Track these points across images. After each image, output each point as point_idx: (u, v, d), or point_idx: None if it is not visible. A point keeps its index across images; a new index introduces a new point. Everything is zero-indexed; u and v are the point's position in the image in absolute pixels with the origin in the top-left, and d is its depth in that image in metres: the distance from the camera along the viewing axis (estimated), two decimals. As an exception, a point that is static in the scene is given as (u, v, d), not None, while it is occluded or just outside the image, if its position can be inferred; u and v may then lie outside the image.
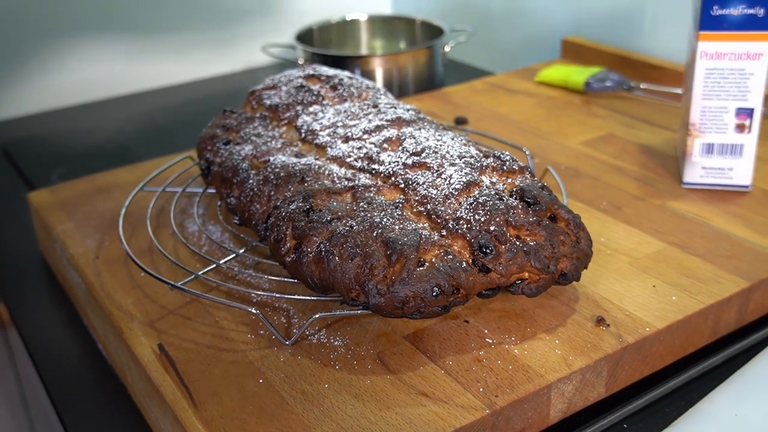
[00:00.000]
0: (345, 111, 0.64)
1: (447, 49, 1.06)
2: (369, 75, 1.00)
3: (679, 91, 0.86)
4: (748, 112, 0.64)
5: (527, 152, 0.70)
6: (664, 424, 0.48)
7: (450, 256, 0.47)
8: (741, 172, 0.66)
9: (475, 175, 0.53)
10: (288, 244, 0.51)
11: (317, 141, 0.60)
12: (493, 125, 0.84)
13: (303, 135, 0.62)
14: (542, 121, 0.84)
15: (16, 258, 0.73)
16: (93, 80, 1.15)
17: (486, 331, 0.50)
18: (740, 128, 0.65)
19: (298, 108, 0.65)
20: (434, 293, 0.46)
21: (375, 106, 0.64)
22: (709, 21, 0.62)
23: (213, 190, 0.65)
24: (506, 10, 1.17)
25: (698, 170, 0.67)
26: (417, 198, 0.51)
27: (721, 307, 0.53)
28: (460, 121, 0.84)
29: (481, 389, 0.45)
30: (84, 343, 0.60)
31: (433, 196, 0.51)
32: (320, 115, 0.64)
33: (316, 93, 0.67)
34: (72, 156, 0.96)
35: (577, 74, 0.92)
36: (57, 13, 1.09)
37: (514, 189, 0.52)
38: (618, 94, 0.90)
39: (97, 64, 1.14)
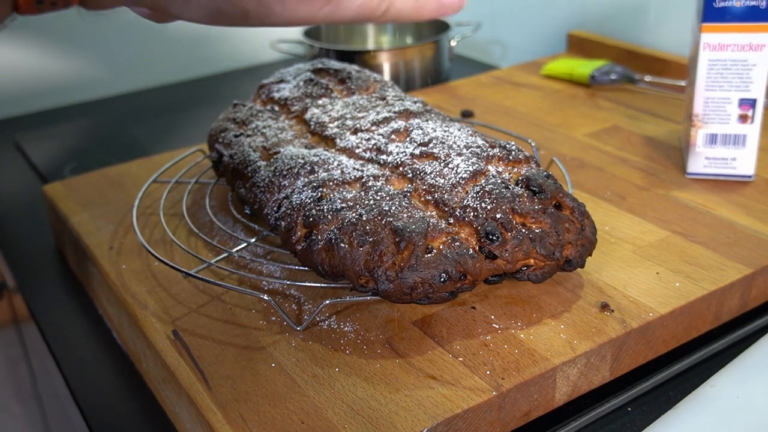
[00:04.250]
0: (353, 103, 0.65)
1: (453, 43, 1.07)
2: (376, 70, 1.01)
3: (682, 83, 0.87)
4: (751, 103, 0.65)
5: (533, 144, 0.71)
6: (668, 408, 0.49)
7: (457, 243, 0.48)
8: (744, 162, 0.67)
9: (481, 164, 0.54)
10: (298, 233, 0.52)
11: (326, 133, 0.62)
12: (499, 118, 0.85)
13: (312, 127, 0.63)
14: (548, 114, 0.85)
15: (32, 250, 0.75)
16: (103, 77, 1.16)
17: (493, 317, 0.51)
18: (743, 119, 0.65)
19: (307, 101, 0.67)
20: (442, 279, 0.47)
21: (383, 98, 0.65)
22: (712, 13, 0.63)
23: (224, 182, 0.66)
24: (512, 4, 1.18)
25: (701, 160, 0.68)
26: (424, 187, 0.52)
27: (724, 293, 0.54)
28: (467, 114, 0.85)
29: (488, 372, 0.46)
30: (99, 332, 0.62)
31: (441, 185, 0.52)
32: (329, 107, 0.65)
33: (324, 86, 0.68)
34: (83, 151, 0.97)
35: (582, 67, 0.93)
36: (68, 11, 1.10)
37: (520, 178, 0.53)
38: (623, 87, 0.91)
39: (107, 61, 1.15)
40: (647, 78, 0.90)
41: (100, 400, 0.55)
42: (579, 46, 1.03)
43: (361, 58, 1.01)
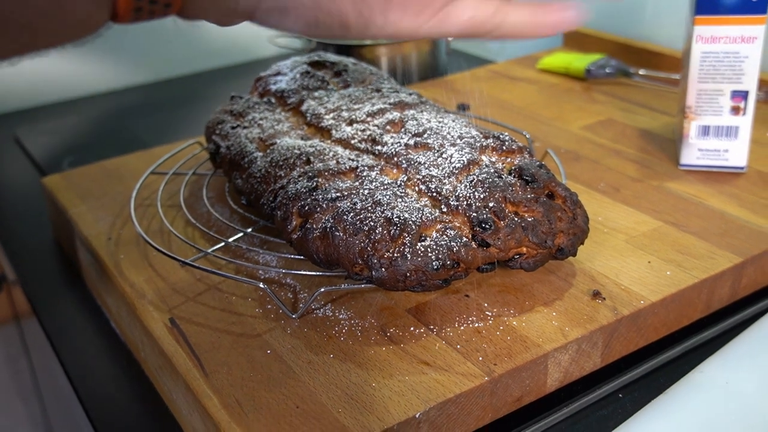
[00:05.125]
0: (349, 95, 0.66)
1: (450, 37, 1.08)
2: (373, 63, 1.01)
3: (677, 76, 0.87)
4: (743, 95, 0.65)
5: (527, 136, 0.71)
6: (658, 394, 0.49)
7: (451, 232, 0.49)
8: (736, 153, 0.67)
9: (475, 154, 0.54)
10: (294, 222, 0.53)
11: (322, 124, 0.62)
12: (496, 111, 0.85)
13: (308, 119, 0.64)
14: (543, 107, 0.86)
15: (31, 243, 0.75)
16: (102, 72, 1.17)
17: (486, 305, 0.51)
18: (735, 110, 0.66)
19: (304, 93, 0.67)
20: (435, 267, 0.47)
21: (378, 90, 0.66)
22: (704, 5, 0.64)
23: (221, 173, 0.67)
24: (509, -1, 1.18)
25: (695, 152, 0.68)
26: (419, 177, 0.53)
27: (715, 282, 0.54)
28: (463, 108, 0.86)
29: (480, 358, 0.47)
30: (98, 322, 0.62)
31: (435, 175, 0.53)
32: (325, 99, 0.66)
33: (321, 78, 0.69)
34: (82, 145, 0.98)
35: (578, 61, 0.93)
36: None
37: (513, 168, 0.53)
38: (618, 81, 0.91)
39: (106, 56, 1.16)
40: (642, 71, 0.90)
41: (98, 388, 0.55)
42: (575, 40, 1.03)
43: (358, 52, 1.01)
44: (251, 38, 1.26)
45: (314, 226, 0.51)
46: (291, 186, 0.54)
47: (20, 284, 0.70)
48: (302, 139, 0.61)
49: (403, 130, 0.58)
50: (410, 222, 0.48)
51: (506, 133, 0.57)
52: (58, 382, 0.71)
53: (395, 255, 0.48)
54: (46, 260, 0.72)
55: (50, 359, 0.67)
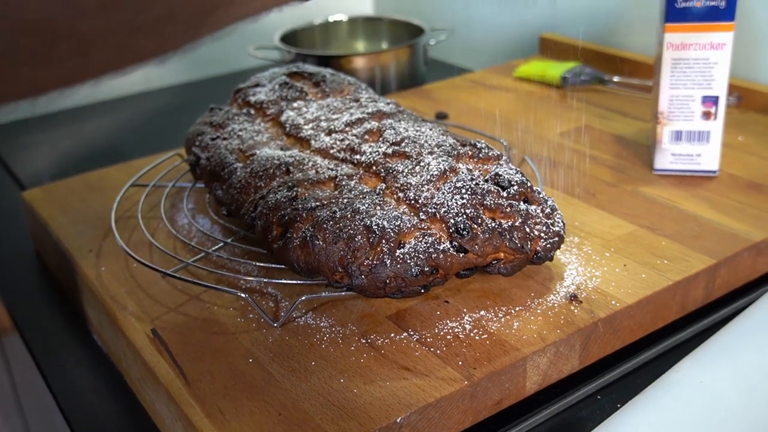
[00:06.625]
0: (328, 105, 0.66)
1: (428, 47, 1.09)
2: (352, 74, 1.02)
3: (650, 83, 0.88)
4: (714, 100, 0.67)
5: (504, 143, 0.72)
6: (636, 395, 0.50)
7: (429, 239, 0.50)
8: (708, 157, 0.68)
9: (452, 162, 0.55)
10: (274, 232, 0.53)
11: (301, 134, 0.63)
12: (473, 119, 0.86)
13: (288, 129, 0.64)
14: (520, 115, 0.87)
15: (12, 258, 0.75)
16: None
17: (465, 310, 0.52)
18: (706, 115, 0.67)
19: (283, 104, 0.68)
20: (414, 273, 0.48)
21: (356, 100, 0.67)
22: (674, 13, 0.65)
23: (202, 185, 0.67)
24: (485, 8, 1.20)
25: (668, 157, 0.70)
26: (397, 185, 0.54)
27: (689, 283, 0.55)
28: (441, 116, 0.87)
29: (460, 363, 0.47)
30: (80, 335, 0.62)
31: (413, 183, 0.53)
32: (304, 110, 0.66)
33: (299, 89, 0.70)
34: (63, 158, 0.98)
35: (554, 69, 0.95)
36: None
37: (490, 174, 0.54)
38: (593, 88, 0.93)
39: (85, 68, 1.16)
40: (616, 79, 0.92)
41: (81, 400, 0.55)
42: (551, 48, 1.05)
43: (337, 62, 1.02)
44: (230, 50, 1.27)
45: (294, 235, 0.51)
46: (271, 196, 0.55)
47: (1, 298, 0.70)
48: (282, 149, 0.62)
49: (381, 139, 0.59)
50: (389, 229, 0.49)
51: (482, 141, 0.58)
52: (40, 395, 0.71)
53: (375, 262, 0.48)
54: (27, 274, 0.72)
55: (32, 373, 0.67)
